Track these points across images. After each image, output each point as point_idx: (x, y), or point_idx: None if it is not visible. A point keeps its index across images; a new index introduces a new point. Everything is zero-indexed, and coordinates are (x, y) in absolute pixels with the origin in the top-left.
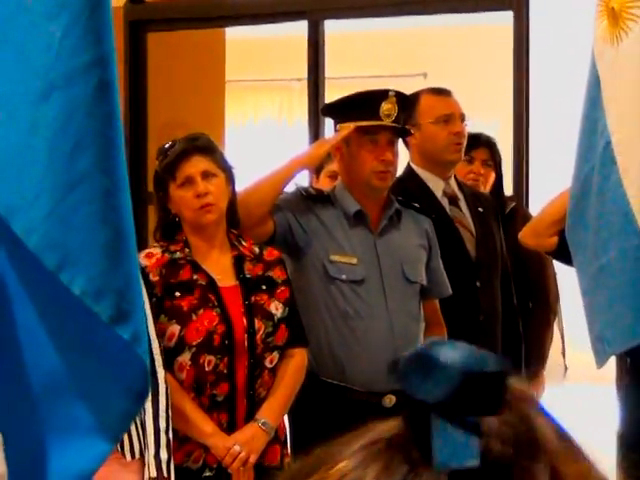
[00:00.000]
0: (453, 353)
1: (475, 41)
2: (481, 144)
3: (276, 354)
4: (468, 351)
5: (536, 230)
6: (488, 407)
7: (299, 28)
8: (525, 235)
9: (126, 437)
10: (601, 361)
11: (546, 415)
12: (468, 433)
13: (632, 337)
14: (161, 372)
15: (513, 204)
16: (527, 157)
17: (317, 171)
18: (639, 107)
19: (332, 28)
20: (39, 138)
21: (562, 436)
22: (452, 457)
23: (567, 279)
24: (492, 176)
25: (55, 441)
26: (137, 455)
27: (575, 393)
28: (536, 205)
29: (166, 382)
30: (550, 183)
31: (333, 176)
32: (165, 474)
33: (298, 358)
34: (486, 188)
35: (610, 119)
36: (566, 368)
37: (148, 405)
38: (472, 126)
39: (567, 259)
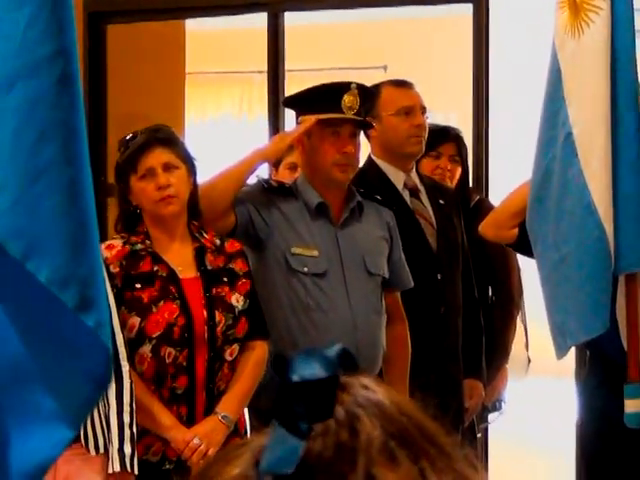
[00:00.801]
0: (299, 366)
1: (435, 33)
2: (449, 139)
3: (236, 347)
4: (306, 361)
5: (496, 222)
6: (316, 414)
7: (259, 20)
8: (485, 227)
9: (90, 432)
10: (561, 353)
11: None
12: (295, 439)
13: (592, 329)
14: (125, 366)
15: (478, 197)
16: (487, 149)
17: (276, 163)
18: (600, 99)
19: (292, 20)
20: (3, 128)
21: (405, 439)
22: (275, 463)
23: (531, 272)
24: (459, 171)
25: (17, 427)
26: (101, 450)
27: (538, 386)
28: (496, 197)
29: (130, 376)
30: (510, 175)
31: (292, 168)
32: (129, 469)
33: (259, 351)
34: (453, 183)
35: (571, 110)
36: (529, 361)
37: (112, 400)
38: (431, 118)
39: (527, 251)
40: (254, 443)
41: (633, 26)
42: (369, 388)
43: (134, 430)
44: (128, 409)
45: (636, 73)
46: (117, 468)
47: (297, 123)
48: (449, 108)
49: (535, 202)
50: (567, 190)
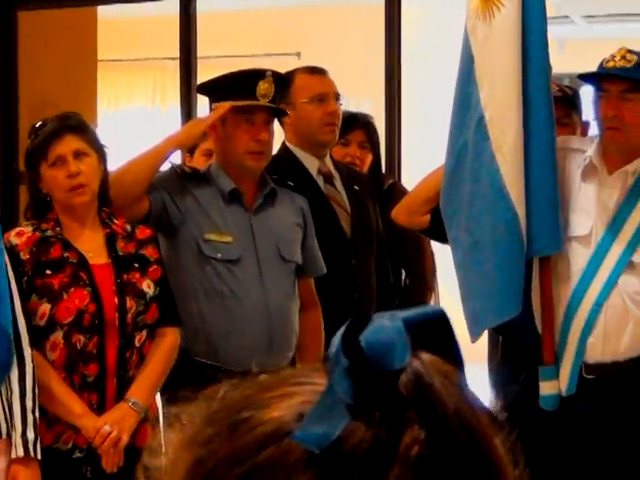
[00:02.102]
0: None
1: (348, 20)
2: (357, 126)
3: (145, 333)
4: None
5: (409, 208)
6: (379, 402)
7: (172, 7)
8: (398, 213)
9: None
10: (475, 336)
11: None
12: (342, 416)
13: (506, 312)
14: (28, 350)
15: (391, 181)
16: (399, 135)
17: (191, 150)
18: (511, 82)
19: (205, 7)
20: None
21: None
22: (307, 437)
23: (444, 256)
24: (369, 157)
25: None
26: (4, 435)
27: None
28: (408, 183)
29: (33, 361)
30: (422, 161)
31: (207, 154)
32: (32, 454)
33: (170, 337)
34: (364, 169)
35: (483, 94)
36: None
37: (15, 385)
38: (345, 105)
39: (440, 237)
40: (311, 387)
41: (544, 10)
42: (438, 384)
43: (37, 415)
44: (31, 394)
45: (547, 57)
46: (20, 453)
47: (211, 110)
48: (363, 94)
49: (448, 186)
50: (479, 174)
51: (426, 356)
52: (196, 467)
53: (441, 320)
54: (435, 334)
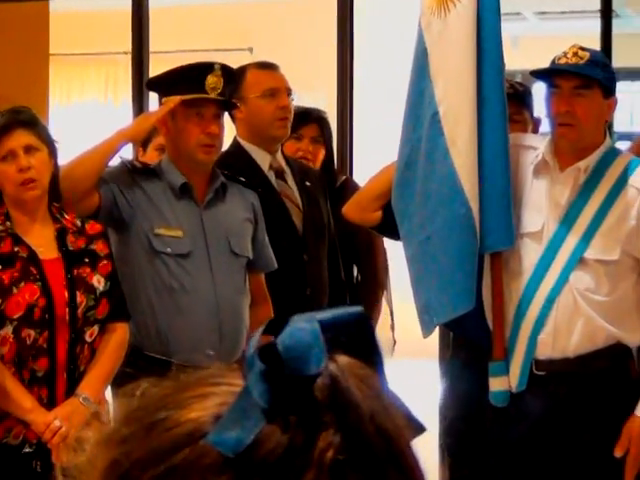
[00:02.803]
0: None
1: (301, 15)
2: (310, 120)
3: (96, 328)
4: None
5: (360, 204)
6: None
7: (124, 1)
8: (349, 209)
9: None
10: (428, 331)
11: None
12: (256, 419)
13: (458, 307)
14: None
15: (344, 177)
16: (351, 131)
17: (144, 144)
18: (466, 78)
19: (158, 1)
20: None
21: None
22: (220, 440)
23: (396, 253)
24: (322, 152)
25: None
26: None
27: (403, 368)
28: (360, 179)
29: None
30: (374, 157)
31: (161, 149)
32: None
33: (120, 332)
34: (316, 164)
35: (437, 90)
36: (394, 342)
37: None
38: (297, 100)
39: (391, 233)
40: (227, 388)
41: (499, 6)
42: (354, 388)
43: None
44: None
45: (502, 53)
46: None
47: (160, 104)
48: (316, 89)
49: (401, 181)
50: (433, 169)
51: (343, 359)
52: (112, 467)
53: (362, 321)
54: (355, 335)
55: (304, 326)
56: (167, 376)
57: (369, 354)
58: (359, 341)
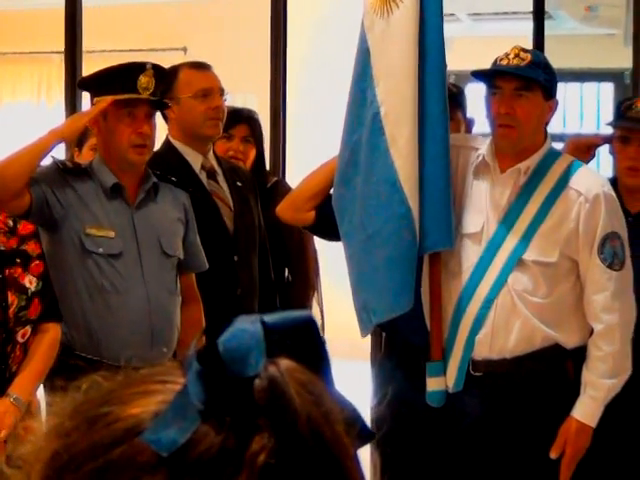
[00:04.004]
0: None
1: (234, 15)
2: (241, 120)
3: (29, 328)
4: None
5: (294, 204)
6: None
7: (58, 1)
8: (283, 209)
9: None
10: (365, 331)
11: None
12: (192, 419)
13: (397, 307)
14: None
15: (275, 179)
16: (284, 131)
17: (79, 144)
18: (407, 79)
19: (92, 1)
20: None
21: None
22: (156, 439)
23: (328, 253)
24: (253, 152)
25: None
26: None
27: (334, 368)
28: (293, 179)
29: None
30: (307, 157)
31: (96, 149)
32: None
33: (51, 333)
34: (247, 164)
35: (379, 90)
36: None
37: None
38: (231, 101)
39: (324, 233)
40: (172, 386)
41: (441, 6)
42: (293, 392)
43: None
44: None
45: (443, 54)
46: None
47: (92, 104)
48: (249, 90)
49: (341, 180)
50: (374, 169)
51: (285, 363)
52: (53, 459)
53: (309, 326)
54: (302, 340)
55: (246, 327)
56: (117, 372)
57: (315, 359)
58: (306, 345)
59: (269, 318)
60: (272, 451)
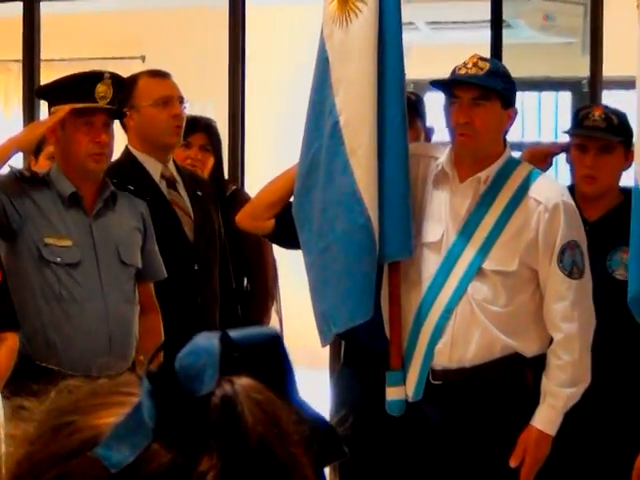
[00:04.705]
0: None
1: (193, 23)
2: (199, 129)
3: None
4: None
5: (253, 213)
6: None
7: (15, 9)
8: (242, 218)
9: None
10: (325, 340)
11: None
12: (144, 435)
13: (357, 316)
14: None
15: (234, 187)
16: (242, 140)
17: (36, 153)
18: (367, 88)
19: (50, 9)
20: None
21: None
22: (107, 454)
23: (287, 262)
24: (211, 160)
25: None
26: None
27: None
28: (251, 188)
29: None
30: (266, 166)
31: (52, 158)
32: None
33: (10, 342)
34: (205, 173)
35: (338, 99)
36: None
37: None
38: (189, 109)
39: (283, 242)
40: (134, 398)
41: (400, 16)
42: (247, 412)
43: None
44: None
45: (402, 63)
46: None
47: (50, 113)
48: (207, 98)
49: (301, 190)
50: (333, 178)
51: (242, 381)
52: (16, 467)
53: (274, 343)
54: (267, 357)
55: (202, 344)
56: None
57: (280, 376)
58: (270, 362)
59: (233, 334)
60: (220, 471)
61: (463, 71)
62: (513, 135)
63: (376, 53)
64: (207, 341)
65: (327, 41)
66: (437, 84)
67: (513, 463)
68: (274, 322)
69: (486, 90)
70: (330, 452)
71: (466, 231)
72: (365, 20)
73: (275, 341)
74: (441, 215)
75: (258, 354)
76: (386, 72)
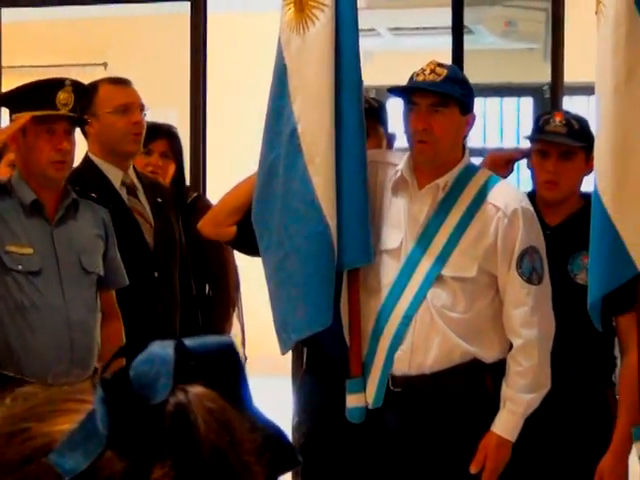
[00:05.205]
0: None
1: (155, 30)
2: (160, 135)
3: None
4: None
5: (215, 220)
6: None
7: None
8: (204, 225)
9: None
10: (285, 348)
11: None
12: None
13: (316, 323)
14: None
15: (195, 194)
16: (204, 147)
17: None
18: (324, 95)
19: (11, 17)
20: None
21: None
22: (61, 461)
23: (248, 269)
24: (172, 167)
25: None
26: None
27: (255, 385)
28: (213, 195)
29: None
30: (228, 173)
31: (12, 165)
32: None
33: None
34: (166, 180)
35: (296, 107)
36: (246, 359)
37: None
38: (151, 116)
39: (246, 248)
40: (89, 405)
41: (357, 23)
42: (200, 420)
43: None
44: None
45: (359, 70)
46: None
47: (11, 121)
48: (168, 105)
49: (260, 198)
50: (292, 186)
51: (196, 390)
52: None
53: (229, 352)
54: (221, 365)
55: (157, 352)
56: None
57: (234, 385)
58: (224, 371)
59: (189, 342)
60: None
61: (421, 78)
62: (475, 141)
63: (333, 60)
64: (162, 349)
65: (284, 48)
66: (395, 91)
67: (474, 469)
68: (236, 329)
69: (444, 97)
70: (283, 460)
71: (425, 238)
72: (322, 27)
73: (230, 350)
74: (400, 222)
75: (213, 363)
76: (343, 79)
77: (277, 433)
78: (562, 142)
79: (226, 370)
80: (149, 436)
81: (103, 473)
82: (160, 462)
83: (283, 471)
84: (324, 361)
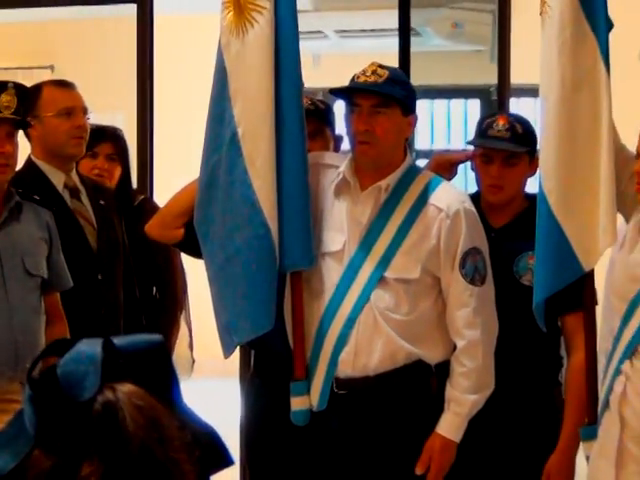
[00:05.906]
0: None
1: (101, 33)
2: (105, 138)
3: None
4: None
5: (162, 222)
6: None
7: None
8: (151, 227)
9: None
10: (228, 352)
11: None
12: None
13: (259, 327)
14: None
15: (142, 197)
16: (151, 150)
17: None
18: (264, 98)
19: None
20: None
21: None
22: None
23: (196, 272)
24: (118, 170)
25: None
26: None
27: (203, 387)
28: (160, 198)
29: None
30: (175, 176)
31: None
32: None
33: None
34: (112, 182)
35: (236, 110)
36: (193, 361)
37: None
38: (98, 119)
39: (193, 251)
40: (17, 405)
41: (296, 25)
42: (128, 418)
43: None
44: None
45: (299, 73)
46: None
47: None
48: (116, 108)
49: (202, 202)
50: (233, 189)
51: (125, 388)
52: None
53: (158, 349)
54: (151, 363)
55: (85, 350)
56: None
57: (164, 382)
58: (154, 370)
59: (117, 341)
60: (102, 477)
61: (362, 79)
62: (422, 143)
63: (273, 63)
64: (90, 348)
65: (225, 51)
66: (337, 92)
67: (419, 470)
68: (184, 331)
69: (386, 97)
70: (215, 459)
71: (367, 240)
72: (261, 30)
73: (160, 349)
74: (342, 224)
75: (142, 361)
76: (283, 82)
77: (209, 432)
78: (505, 148)
79: (155, 368)
80: (77, 434)
81: (32, 471)
82: (89, 459)
83: (215, 470)
84: (271, 363)
